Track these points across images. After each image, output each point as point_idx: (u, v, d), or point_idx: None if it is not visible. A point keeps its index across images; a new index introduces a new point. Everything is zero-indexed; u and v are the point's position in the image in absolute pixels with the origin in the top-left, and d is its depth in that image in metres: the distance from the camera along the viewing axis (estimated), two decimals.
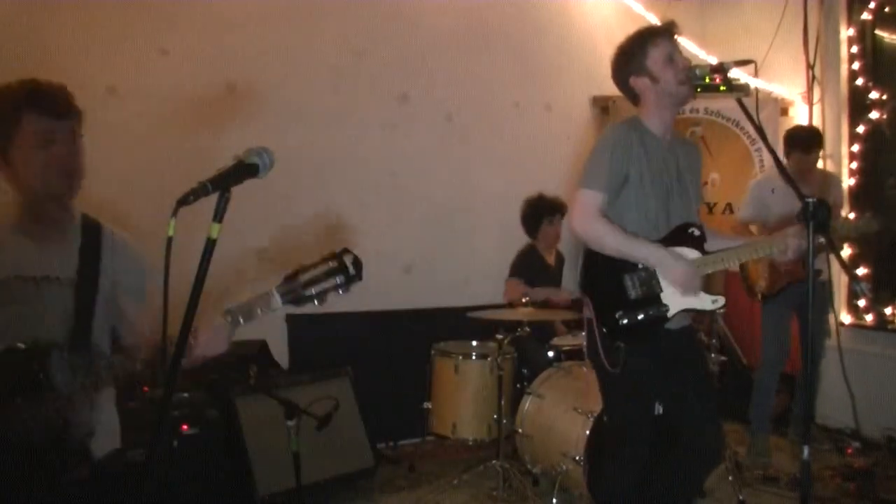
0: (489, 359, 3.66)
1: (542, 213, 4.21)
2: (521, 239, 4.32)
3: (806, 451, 1.79)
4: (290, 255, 4.15)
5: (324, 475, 3.32)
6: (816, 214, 1.83)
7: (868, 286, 4.34)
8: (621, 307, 2.26)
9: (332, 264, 1.64)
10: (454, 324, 3.97)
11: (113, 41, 3.66)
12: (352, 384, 3.68)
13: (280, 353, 3.96)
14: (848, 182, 4.57)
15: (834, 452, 4.03)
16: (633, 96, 2.44)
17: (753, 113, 2.19)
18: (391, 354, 4.18)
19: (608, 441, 2.55)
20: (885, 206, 4.39)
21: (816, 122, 4.76)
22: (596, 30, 5.13)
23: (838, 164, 4.64)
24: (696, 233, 2.35)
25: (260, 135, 3.32)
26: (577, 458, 3.13)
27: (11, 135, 1.68)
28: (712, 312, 3.60)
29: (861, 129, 4.49)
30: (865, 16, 4.47)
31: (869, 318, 4.44)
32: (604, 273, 2.30)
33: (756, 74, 2.39)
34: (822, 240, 1.89)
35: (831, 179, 4.11)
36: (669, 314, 2.27)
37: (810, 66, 4.70)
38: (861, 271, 4.36)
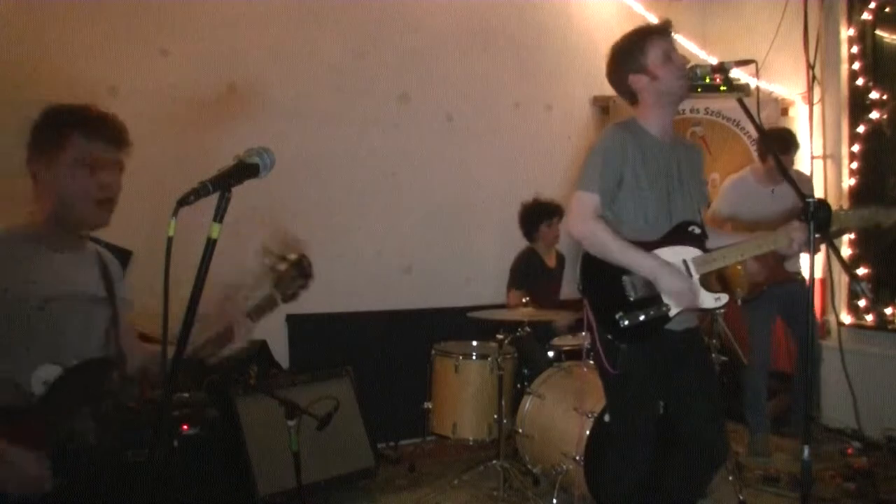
0: (489, 359, 3.66)
1: (538, 216, 4.20)
2: (521, 239, 4.32)
3: (806, 451, 1.78)
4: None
5: (324, 475, 3.32)
6: (817, 214, 1.83)
7: (868, 286, 4.34)
8: (621, 308, 2.25)
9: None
10: (454, 324, 3.97)
11: (113, 41, 3.65)
12: (352, 384, 3.68)
13: (280, 353, 3.96)
14: (848, 182, 4.58)
15: (834, 452, 4.03)
16: (630, 96, 2.43)
17: (754, 113, 2.19)
18: (391, 354, 4.18)
19: (610, 441, 2.55)
20: (885, 207, 4.38)
21: (816, 122, 4.77)
22: (596, 30, 5.13)
23: (838, 164, 4.64)
24: (697, 231, 2.34)
25: (260, 135, 3.31)
26: (578, 458, 3.13)
27: (55, 152, 1.75)
28: (712, 312, 3.65)
29: (861, 129, 4.49)
30: (865, 16, 4.47)
31: (869, 318, 4.44)
32: (603, 274, 2.29)
33: (756, 74, 2.39)
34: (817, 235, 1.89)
35: (804, 179, 4.10)
36: (671, 314, 2.26)
37: (810, 66, 4.70)
38: (861, 271, 4.36)
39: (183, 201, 1.24)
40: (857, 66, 4.51)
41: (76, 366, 1.66)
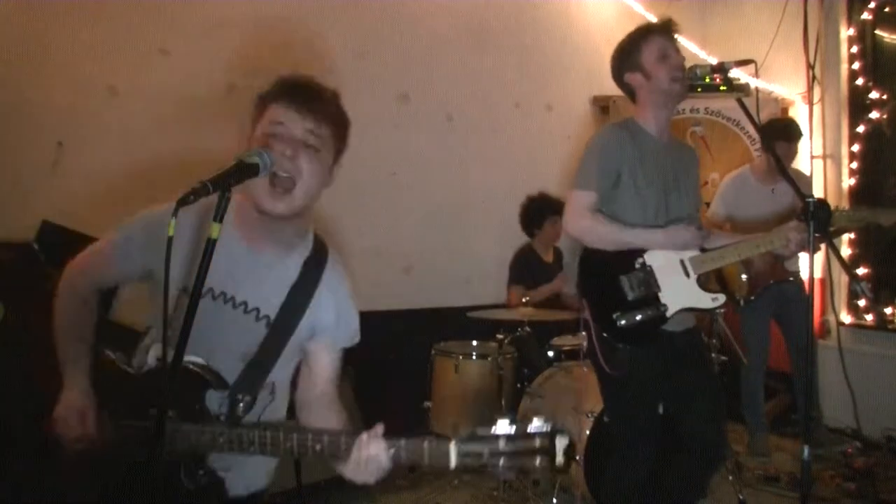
0: (489, 359, 3.66)
1: (546, 212, 4.20)
2: (521, 238, 4.32)
3: (806, 451, 1.78)
4: None
5: (324, 475, 3.31)
6: (817, 214, 1.83)
7: (868, 286, 4.33)
8: (619, 308, 2.25)
9: (538, 443, 1.27)
10: (454, 324, 3.97)
11: (113, 41, 3.65)
12: (352, 384, 3.67)
13: None
14: (848, 182, 4.58)
15: (834, 452, 4.02)
16: (630, 94, 2.46)
17: (754, 113, 2.19)
18: (391, 354, 4.17)
19: (610, 441, 2.55)
20: (885, 206, 4.39)
21: (816, 122, 4.77)
22: (596, 30, 5.13)
23: (838, 164, 4.64)
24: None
25: None
26: (578, 458, 3.13)
27: (255, 124, 1.59)
28: (713, 312, 3.64)
29: (861, 129, 4.50)
30: (865, 16, 4.47)
31: (869, 318, 4.44)
32: (600, 275, 2.30)
33: (756, 74, 2.40)
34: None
35: (803, 178, 4.10)
36: (669, 313, 2.27)
37: (810, 66, 4.70)
38: (861, 271, 4.36)
39: (183, 201, 1.23)
40: (857, 66, 4.52)
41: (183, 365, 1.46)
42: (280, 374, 1.65)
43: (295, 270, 1.64)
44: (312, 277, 1.65)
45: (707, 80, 2.22)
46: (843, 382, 2.31)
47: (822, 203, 1.85)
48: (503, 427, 1.29)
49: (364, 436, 1.41)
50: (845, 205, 4.56)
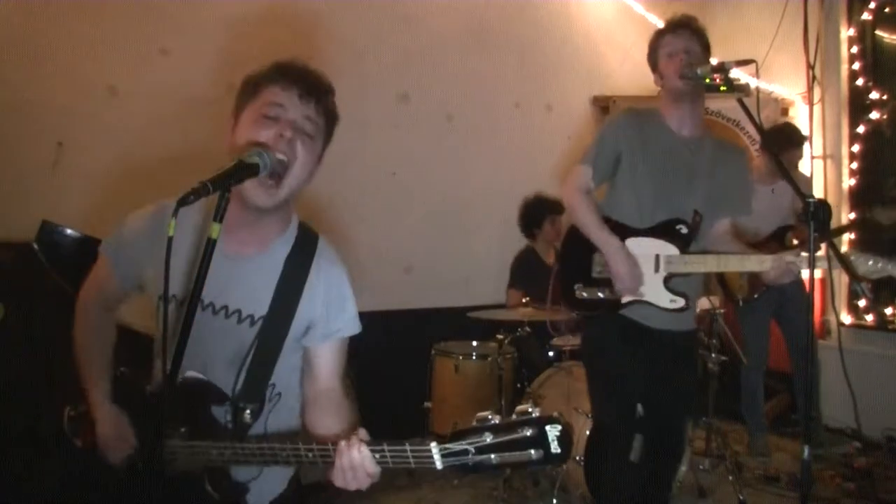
0: (489, 359, 3.66)
1: (544, 212, 4.20)
2: (521, 238, 4.32)
3: (806, 451, 1.78)
4: None
5: (324, 475, 3.31)
6: (817, 214, 1.83)
7: (868, 286, 4.32)
8: (583, 280, 2.38)
9: (528, 432, 1.15)
10: (454, 324, 3.97)
11: (113, 41, 3.65)
12: (352, 384, 3.67)
13: None
14: (848, 182, 4.58)
15: (834, 452, 4.02)
16: (652, 66, 2.54)
17: (754, 113, 2.19)
18: (391, 354, 4.17)
19: (599, 440, 2.57)
20: (885, 206, 4.39)
21: (816, 123, 4.76)
22: (596, 30, 5.13)
23: (838, 164, 4.64)
24: (683, 230, 2.33)
25: None
26: (578, 458, 3.13)
27: (245, 104, 1.51)
28: (713, 312, 3.65)
29: (861, 129, 4.49)
30: (865, 16, 4.47)
31: (869, 318, 4.44)
32: (579, 246, 2.40)
33: (756, 75, 2.39)
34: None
35: (802, 179, 4.08)
36: (623, 300, 2.33)
37: (810, 67, 4.70)
38: None
39: (183, 201, 1.23)
40: (857, 66, 4.51)
41: (181, 382, 1.44)
42: (284, 376, 1.57)
43: (280, 264, 1.55)
44: (300, 268, 1.56)
45: (707, 80, 2.22)
46: (843, 382, 2.30)
47: (822, 203, 1.85)
48: (486, 420, 1.19)
49: (343, 443, 1.34)
50: (845, 205, 4.57)
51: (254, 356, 1.51)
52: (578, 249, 2.41)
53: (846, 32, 4.57)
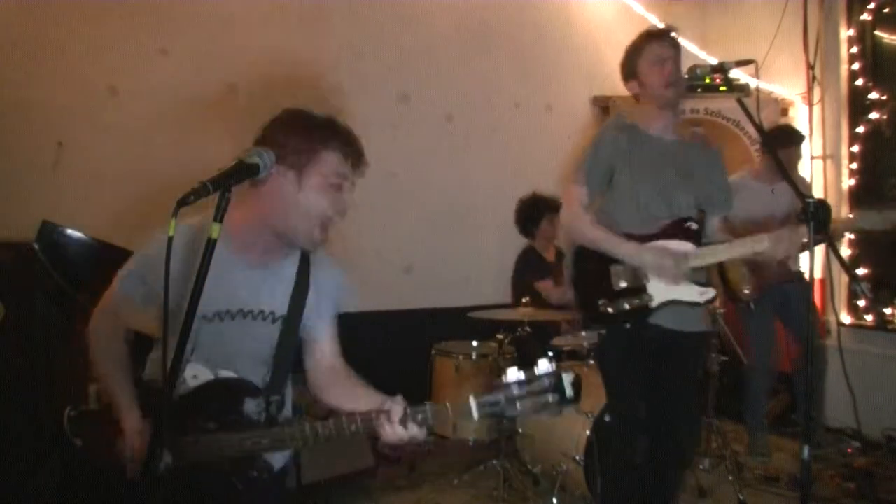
0: (489, 359, 3.66)
1: (541, 210, 4.19)
2: (521, 238, 4.32)
3: (806, 451, 1.79)
4: None
5: (324, 475, 3.31)
6: (816, 214, 1.83)
7: (868, 286, 4.33)
8: (605, 296, 2.33)
9: (547, 381, 1.54)
10: (454, 324, 3.97)
11: (113, 41, 3.66)
12: None
13: None
14: (848, 182, 4.57)
15: (834, 452, 4.02)
16: (635, 96, 2.52)
17: (754, 113, 2.19)
18: (391, 354, 4.17)
19: (609, 440, 2.57)
20: (885, 206, 4.39)
21: (816, 123, 4.76)
22: (596, 30, 5.13)
23: (838, 164, 4.64)
24: (694, 226, 2.38)
25: None
26: (578, 458, 3.13)
27: (308, 167, 1.62)
28: (713, 312, 3.64)
29: (861, 129, 4.49)
30: (865, 16, 4.47)
31: (869, 318, 4.44)
32: (592, 263, 2.37)
33: (756, 74, 2.40)
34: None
35: (800, 181, 4.08)
36: (653, 304, 2.31)
37: (810, 67, 4.70)
38: (861, 271, 4.35)
39: (183, 201, 1.23)
40: (856, 66, 4.51)
41: (218, 380, 1.65)
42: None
43: (294, 268, 1.74)
44: (306, 269, 1.76)
45: (707, 80, 2.24)
46: (843, 382, 2.31)
47: (822, 203, 1.85)
48: (513, 375, 1.53)
49: (385, 413, 1.60)
50: (845, 206, 4.56)
51: (278, 351, 1.70)
52: (592, 268, 2.38)
53: (846, 32, 4.57)
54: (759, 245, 2.25)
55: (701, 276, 2.38)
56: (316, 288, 1.76)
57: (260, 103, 3.96)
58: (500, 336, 3.57)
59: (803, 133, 4.00)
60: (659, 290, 2.31)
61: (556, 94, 5.06)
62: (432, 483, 3.70)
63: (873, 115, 4.41)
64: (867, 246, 4.42)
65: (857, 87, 4.51)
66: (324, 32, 4.26)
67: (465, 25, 4.69)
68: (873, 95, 4.41)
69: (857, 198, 4.50)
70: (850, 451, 4.00)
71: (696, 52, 4.91)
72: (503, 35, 4.83)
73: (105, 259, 3.10)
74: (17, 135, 3.42)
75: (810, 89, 4.75)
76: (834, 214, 2.05)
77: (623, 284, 2.32)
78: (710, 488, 3.51)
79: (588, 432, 3.14)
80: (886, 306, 4.35)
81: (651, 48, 2.40)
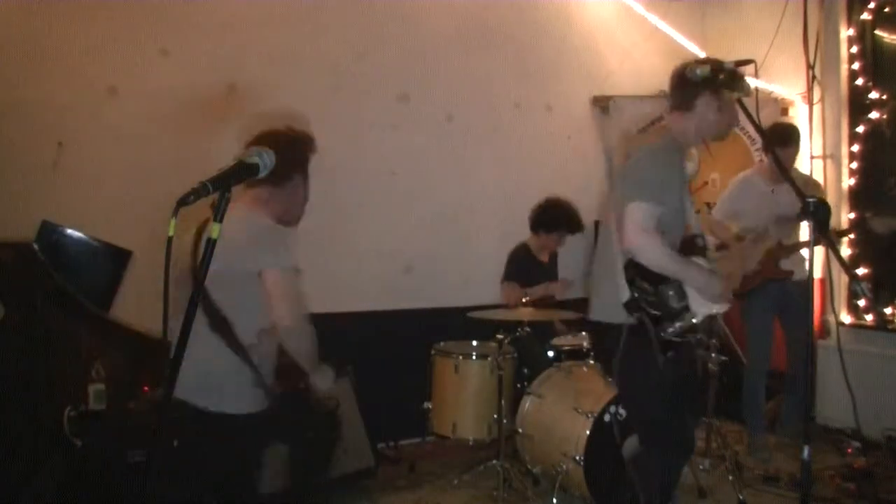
0: (489, 359, 3.66)
1: (560, 225, 4.11)
2: (521, 238, 4.32)
3: (806, 451, 1.79)
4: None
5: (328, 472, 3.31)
6: (816, 214, 1.83)
7: (868, 286, 4.33)
8: (666, 319, 2.30)
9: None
10: (454, 324, 3.97)
11: (113, 41, 3.65)
12: (352, 384, 3.67)
13: None
14: (848, 182, 4.57)
15: (834, 452, 4.03)
16: (687, 105, 2.42)
17: (754, 113, 2.19)
18: (391, 354, 4.18)
19: (650, 445, 2.56)
20: (885, 206, 4.39)
21: (816, 122, 4.76)
22: (596, 30, 5.13)
23: (838, 164, 4.64)
24: (701, 242, 2.41)
25: None
26: (578, 458, 3.13)
27: (304, 171, 2.42)
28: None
29: (861, 129, 4.49)
30: (865, 16, 4.47)
31: (869, 318, 4.44)
32: (650, 286, 2.30)
33: (756, 74, 2.39)
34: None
35: (810, 182, 4.07)
36: (696, 321, 2.31)
37: (810, 66, 4.70)
38: (861, 271, 4.36)
39: (183, 201, 1.24)
40: (856, 66, 4.51)
41: None
42: None
43: None
44: None
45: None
46: (843, 382, 2.31)
47: (822, 203, 1.85)
48: None
49: None
50: (845, 206, 4.57)
51: None
52: (650, 290, 2.31)
53: (846, 32, 4.57)
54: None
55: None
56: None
57: (260, 103, 3.98)
58: (500, 336, 3.57)
59: (799, 134, 3.99)
60: (698, 307, 2.31)
61: (556, 94, 5.06)
62: (432, 483, 3.71)
63: (873, 115, 4.41)
64: (867, 246, 4.43)
65: (857, 86, 4.51)
66: (324, 32, 4.25)
67: (465, 25, 4.69)
68: (873, 95, 4.41)
69: (857, 198, 4.50)
70: (850, 451, 4.00)
71: (696, 51, 4.91)
72: (503, 35, 4.82)
73: (105, 259, 3.10)
74: (17, 135, 3.42)
75: (810, 89, 4.75)
76: (834, 214, 2.07)
77: (678, 305, 2.29)
78: (710, 488, 3.51)
79: (588, 432, 3.14)
80: (886, 306, 4.35)
81: (741, 85, 2.32)
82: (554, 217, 4.15)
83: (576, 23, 5.10)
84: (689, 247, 2.37)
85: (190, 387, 1.83)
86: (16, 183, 3.37)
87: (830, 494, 3.48)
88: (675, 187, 2.36)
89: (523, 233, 4.29)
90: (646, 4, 5.08)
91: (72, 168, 3.52)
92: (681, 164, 2.43)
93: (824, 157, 4.73)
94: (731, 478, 3.47)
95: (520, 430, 3.55)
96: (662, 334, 2.27)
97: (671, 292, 2.28)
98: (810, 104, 4.77)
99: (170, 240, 1.21)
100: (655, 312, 2.29)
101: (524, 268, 4.18)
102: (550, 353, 3.83)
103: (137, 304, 3.27)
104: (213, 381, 2.11)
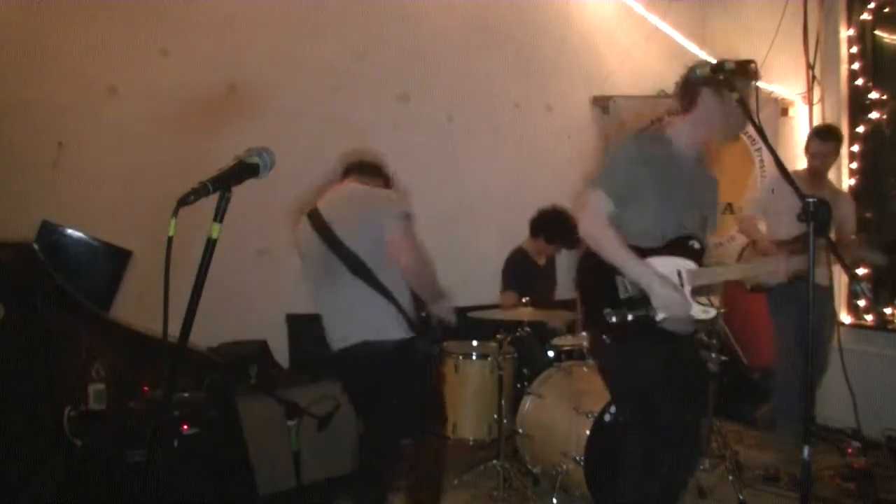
0: (489, 359, 3.66)
1: (559, 237, 4.07)
2: (521, 239, 4.32)
3: (806, 450, 1.78)
4: (291, 255, 4.15)
5: (324, 475, 3.31)
6: (817, 214, 1.83)
7: (868, 286, 4.32)
8: (610, 305, 2.29)
9: None
10: (454, 324, 3.96)
11: (113, 41, 3.66)
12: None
13: (280, 353, 3.96)
14: (848, 182, 4.57)
15: (834, 452, 4.02)
16: (687, 104, 2.41)
17: (754, 113, 2.18)
18: None
19: (628, 445, 2.54)
20: (885, 206, 4.39)
21: (816, 123, 4.76)
22: (596, 30, 5.13)
23: (838, 164, 4.63)
24: (696, 245, 2.37)
25: (260, 135, 3.31)
26: (578, 458, 3.13)
27: None
28: (703, 323, 3.65)
29: (861, 129, 4.49)
30: (865, 16, 4.47)
31: (869, 318, 4.44)
32: (598, 271, 2.33)
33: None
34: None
35: (841, 196, 4.04)
36: (658, 318, 2.28)
37: (810, 67, 4.70)
38: (861, 271, 4.35)
39: (183, 201, 1.24)
40: (856, 66, 4.51)
41: None
42: None
43: None
44: None
45: None
46: (843, 382, 2.31)
47: (822, 203, 1.84)
48: None
49: None
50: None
51: None
52: (598, 274, 2.34)
53: (846, 32, 4.57)
54: (759, 269, 2.39)
55: (704, 294, 2.37)
56: None
57: (260, 103, 3.98)
58: (500, 336, 3.57)
59: (839, 131, 3.96)
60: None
61: (556, 94, 5.06)
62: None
63: (873, 115, 4.41)
64: (867, 246, 4.42)
65: (857, 86, 4.51)
66: (324, 32, 4.26)
67: (465, 25, 4.69)
68: (873, 95, 4.41)
69: (858, 198, 4.49)
70: (850, 451, 3.99)
71: (696, 51, 4.91)
72: (503, 35, 4.83)
73: (105, 259, 3.11)
74: (17, 135, 3.42)
75: (810, 89, 4.75)
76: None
77: (628, 294, 2.29)
78: (710, 488, 3.51)
79: (588, 432, 3.14)
80: (886, 306, 4.35)
81: (745, 84, 2.28)
82: (557, 229, 4.10)
83: (576, 23, 5.10)
84: (676, 247, 2.34)
85: (354, 326, 2.56)
86: (16, 183, 3.37)
87: (830, 494, 3.48)
88: (650, 185, 2.30)
89: (523, 233, 4.29)
90: (646, 4, 5.08)
91: (72, 168, 3.52)
92: (669, 163, 2.35)
93: None
94: (731, 478, 3.47)
95: (520, 430, 3.55)
96: (612, 319, 2.27)
97: (623, 283, 2.29)
98: (810, 104, 4.77)
99: (170, 240, 1.21)
100: (596, 298, 2.35)
101: (522, 273, 4.17)
102: (550, 353, 3.83)
103: (137, 304, 3.27)
104: (367, 315, 2.57)
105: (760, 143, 4.64)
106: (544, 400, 3.50)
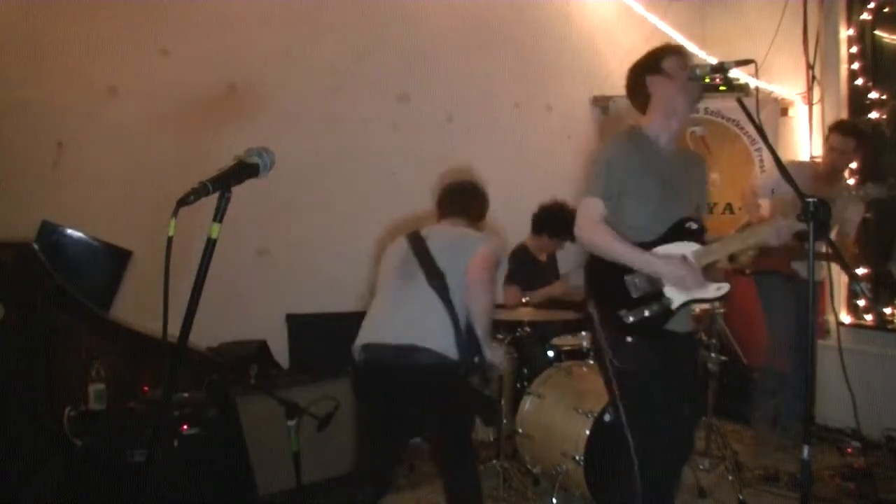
0: None
1: (561, 232, 4.08)
2: (521, 238, 4.32)
3: (806, 451, 1.78)
4: (291, 255, 4.15)
5: (324, 475, 3.31)
6: (817, 214, 1.83)
7: (868, 286, 4.33)
8: (624, 306, 2.30)
9: None
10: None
11: (113, 41, 3.65)
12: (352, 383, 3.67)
13: (280, 353, 3.96)
14: (848, 182, 4.57)
15: (834, 452, 4.02)
16: (642, 102, 2.49)
17: (754, 113, 2.19)
18: None
19: (623, 443, 2.55)
20: (884, 206, 4.38)
21: (816, 123, 4.76)
22: (596, 30, 5.13)
23: None
24: (694, 226, 2.38)
25: (260, 135, 3.30)
26: (578, 458, 3.13)
27: None
28: (712, 313, 3.65)
29: None
30: (865, 16, 4.47)
31: (869, 318, 4.44)
32: (606, 274, 2.35)
33: (756, 74, 2.39)
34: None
35: (853, 200, 4.04)
36: (673, 306, 2.30)
37: (810, 66, 4.70)
38: (861, 271, 4.36)
39: (183, 201, 1.24)
40: (856, 66, 4.51)
41: None
42: None
43: None
44: None
45: (707, 80, 2.24)
46: (843, 382, 2.31)
47: (822, 203, 1.84)
48: None
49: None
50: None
51: None
52: (607, 279, 2.37)
53: (846, 32, 4.57)
54: (762, 234, 2.33)
55: (715, 272, 2.39)
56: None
57: (260, 103, 3.98)
58: (500, 336, 3.57)
59: (861, 129, 3.93)
60: (677, 293, 2.32)
61: (556, 94, 5.06)
62: (432, 483, 3.69)
63: (873, 115, 4.41)
64: (867, 246, 4.42)
65: (857, 86, 4.51)
66: (324, 32, 4.26)
67: (465, 25, 4.69)
68: (873, 95, 4.41)
69: None
70: (850, 451, 4.00)
71: (696, 51, 4.90)
72: (503, 35, 4.83)
73: (105, 259, 3.11)
74: (17, 135, 3.42)
75: (810, 89, 4.75)
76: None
77: (640, 293, 2.31)
78: (710, 488, 3.52)
79: (588, 432, 3.14)
80: (886, 306, 4.35)
81: (676, 57, 2.40)
82: (561, 223, 4.10)
83: (576, 23, 5.10)
84: (676, 233, 2.36)
85: (411, 327, 2.56)
86: (16, 183, 3.37)
87: (830, 494, 3.48)
88: (638, 177, 2.35)
89: (523, 233, 4.30)
90: (646, 4, 5.08)
91: (72, 168, 3.52)
92: (651, 154, 2.40)
93: None
94: (731, 478, 3.47)
95: (520, 430, 3.55)
96: (629, 319, 2.29)
97: (633, 282, 2.31)
98: (810, 104, 4.77)
99: (170, 240, 1.21)
100: (610, 302, 2.35)
101: (524, 269, 4.17)
102: (550, 353, 3.83)
103: (137, 304, 3.27)
104: (427, 321, 2.58)
105: (760, 143, 4.64)
106: (544, 400, 3.50)
